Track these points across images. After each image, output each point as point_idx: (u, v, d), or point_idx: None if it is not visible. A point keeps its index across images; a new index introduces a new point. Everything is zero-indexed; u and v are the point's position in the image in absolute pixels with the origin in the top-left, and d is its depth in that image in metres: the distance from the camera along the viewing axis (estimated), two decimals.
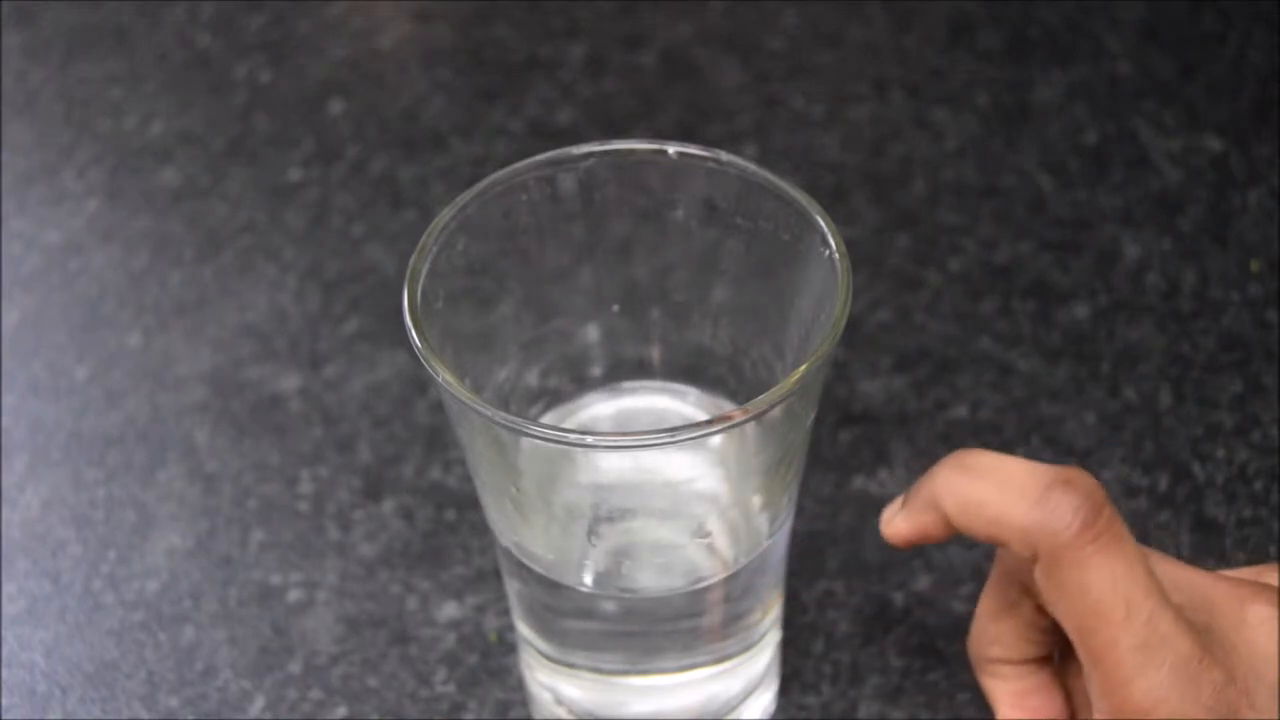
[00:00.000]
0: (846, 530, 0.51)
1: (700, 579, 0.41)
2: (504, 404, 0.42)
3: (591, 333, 0.43)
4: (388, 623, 0.49)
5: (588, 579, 0.41)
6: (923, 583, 0.49)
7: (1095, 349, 0.56)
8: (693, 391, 0.44)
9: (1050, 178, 0.62)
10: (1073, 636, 0.37)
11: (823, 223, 0.38)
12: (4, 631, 0.50)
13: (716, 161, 0.40)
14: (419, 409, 0.55)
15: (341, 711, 0.47)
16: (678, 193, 0.41)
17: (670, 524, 0.42)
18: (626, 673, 0.43)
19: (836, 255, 0.38)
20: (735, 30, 0.70)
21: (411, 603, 0.50)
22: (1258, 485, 0.51)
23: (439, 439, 0.54)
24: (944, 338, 0.56)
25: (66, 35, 0.71)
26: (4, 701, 0.48)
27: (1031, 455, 0.52)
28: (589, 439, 0.36)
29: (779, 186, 0.39)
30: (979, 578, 0.49)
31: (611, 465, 0.40)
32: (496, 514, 0.41)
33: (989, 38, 0.68)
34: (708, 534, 0.42)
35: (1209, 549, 0.50)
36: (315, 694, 0.48)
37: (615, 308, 0.43)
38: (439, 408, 0.55)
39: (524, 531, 0.41)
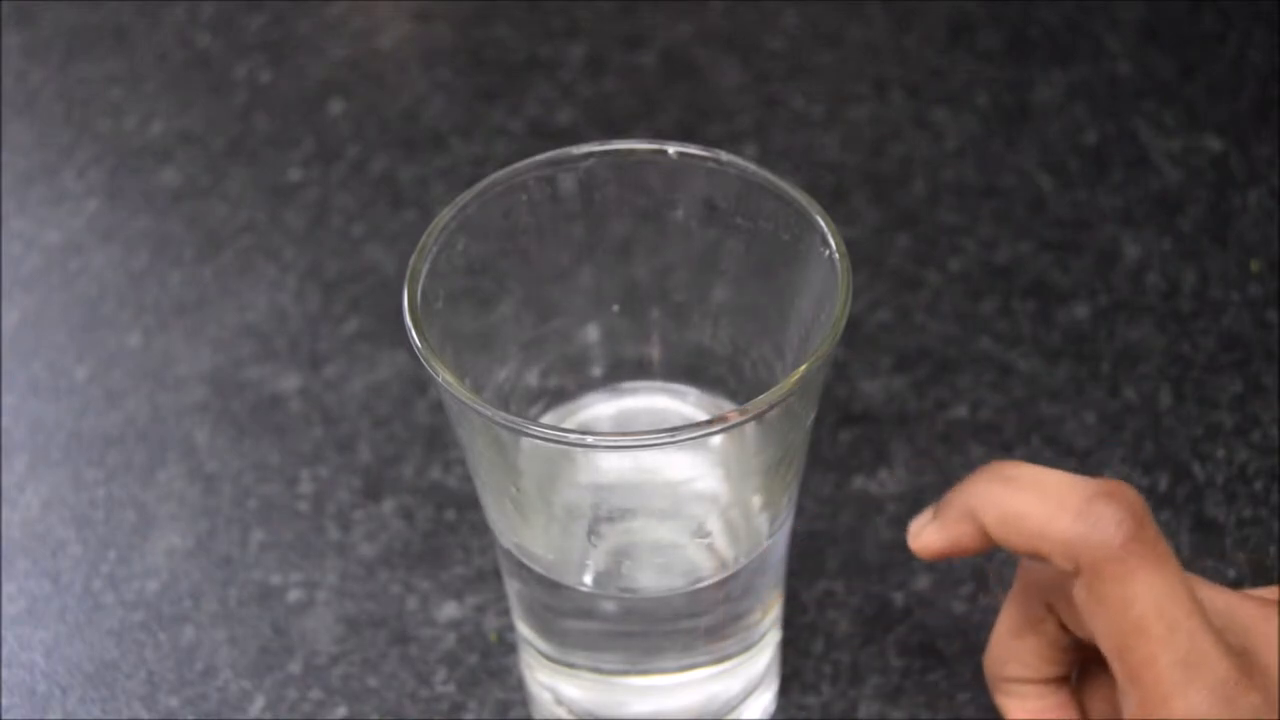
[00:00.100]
0: (846, 530, 0.51)
1: (700, 579, 0.41)
2: (504, 404, 0.42)
3: (591, 333, 0.43)
4: (388, 623, 0.49)
5: (588, 579, 0.41)
6: (923, 583, 0.49)
7: (1095, 349, 0.56)
8: (693, 392, 0.44)
9: (1050, 178, 0.62)
10: (1110, 653, 0.36)
11: (823, 223, 0.38)
12: (4, 631, 0.50)
13: (716, 161, 0.40)
14: (419, 409, 0.55)
15: (341, 711, 0.47)
16: (678, 193, 0.41)
17: (670, 524, 0.42)
18: (626, 673, 0.43)
19: (836, 255, 0.38)
20: (735, 30, 0.69)
21: (411, 603, 0.50)
22: (1258, 485, 0.51)
23: (439, 439, 0.54)
24: (944, 338, 0.56)
25: (66, 35, 0.71)
26: (4, 701, 0.48)
27: (1031, 455, 0.52)
28: (589, 439, 0.36)
29: (779, 186, 0.39)
30: (979, 578, 0.49)
31: (611, 465, 0.40)
32: (496, 514, 0.41)
33: (989, 38, 0.68)
34: (708, 534, 0.42)
35: (1209, 549, 0.50)
36: (315, 694, 0.48)
37: (615, 308, 0.43)
38: (439, 408, 0.55)
39: (524, 531, 0.41)
